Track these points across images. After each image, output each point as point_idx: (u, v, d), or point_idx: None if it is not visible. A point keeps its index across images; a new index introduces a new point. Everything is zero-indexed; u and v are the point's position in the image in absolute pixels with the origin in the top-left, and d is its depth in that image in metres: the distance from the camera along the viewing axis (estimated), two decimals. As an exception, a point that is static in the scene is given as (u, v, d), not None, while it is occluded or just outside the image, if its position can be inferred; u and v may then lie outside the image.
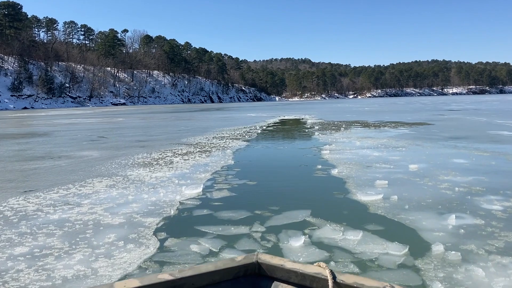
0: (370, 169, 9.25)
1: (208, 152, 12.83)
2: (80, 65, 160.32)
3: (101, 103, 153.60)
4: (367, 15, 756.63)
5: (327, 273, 2.23)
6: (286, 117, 37.02)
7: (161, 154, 12.59)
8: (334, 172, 9.05)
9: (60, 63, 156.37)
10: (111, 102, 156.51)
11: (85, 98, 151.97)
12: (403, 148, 12.85)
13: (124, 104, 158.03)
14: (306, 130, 21.43)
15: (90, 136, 20.52)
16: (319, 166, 9.86)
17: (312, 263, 2.50)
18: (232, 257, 2.54)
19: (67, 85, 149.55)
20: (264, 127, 24.18)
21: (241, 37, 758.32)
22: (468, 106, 56.38)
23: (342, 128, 21.47)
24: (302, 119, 33.57)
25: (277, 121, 31.58)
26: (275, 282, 2.44)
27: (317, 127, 22.88)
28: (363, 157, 11.15)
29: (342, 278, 2.21)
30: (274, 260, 2.45)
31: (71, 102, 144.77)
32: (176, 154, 12.67)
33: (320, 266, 2.33)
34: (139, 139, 18.03)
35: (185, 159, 11.40)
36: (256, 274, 2.49)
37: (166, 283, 2.21)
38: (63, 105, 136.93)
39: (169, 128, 25.53)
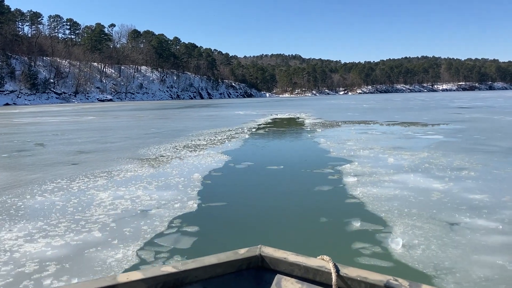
0: (465, 236, 4.54)
1: (163, 179, 8.07)
2: (66, 60, 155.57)
3: (87, 99, 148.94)
4: (357, 11, 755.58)
5: (330, 266, 2.19)
6: (279, 116, 32.18)
7: (87, 183, 7.83)
8: (396, 248, 4.27)
9: (44, 58, 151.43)
10: (97, 98, 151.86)
11: (70, 94, 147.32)
12: (469, 171, 8.17)
13: (110, 100, 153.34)
14: (308, 135, 16.72)
15: (27, 143, 15.71)
16: (356, 224, 5.11)
17: (315, 256, 2.34)
18: (235, 250, 2.45)
19: (51, 80, 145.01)
20: (253, 130, 19.50)
21: (231, 32, 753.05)
22: (475, 103, 51.88)
23: (353, 132, 16.86)
24: (298, 118, 28.83)
25: (269, 121, 26.82)
26: (278, 275, 2.40)
27: (320, 130, 18.24)
28: (421, 193, 6.47)
29: (346, 271, 2.18)
30: (277, 253, 2.41)
31: (56, 98, 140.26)
32: (111, 182, 7.91)
33: (323, 259, 2.27)
34: (84, 149, 13.25)
35: (117, 197, 6.65)
36: (259, 267, 2.45)
37: (169, 276, 2.18)
38: (47, 101, 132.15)
39: (136, 130, 20.73)
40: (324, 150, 11.93)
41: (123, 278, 2.10)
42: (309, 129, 19.55)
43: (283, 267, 2.38)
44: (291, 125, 23.44)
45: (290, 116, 31.54)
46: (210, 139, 15.55)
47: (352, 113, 33.25)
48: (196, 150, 12.30)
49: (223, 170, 9.17)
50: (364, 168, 8.76)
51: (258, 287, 2.43)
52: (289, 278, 2.37)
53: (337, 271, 2.17)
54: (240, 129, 19.76)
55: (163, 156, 11.29)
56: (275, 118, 29.46)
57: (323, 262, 2.26)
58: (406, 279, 2.08)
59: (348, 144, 13.02)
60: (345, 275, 2.16)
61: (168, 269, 2.21)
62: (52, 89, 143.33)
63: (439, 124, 20.53)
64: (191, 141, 14.97)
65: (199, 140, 15.27)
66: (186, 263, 2.28)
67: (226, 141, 14.63)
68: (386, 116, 28.69)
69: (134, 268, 3.92)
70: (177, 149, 12.76)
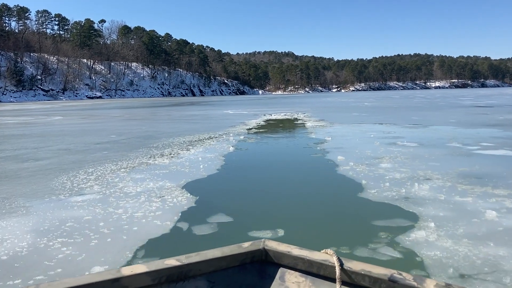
0: None
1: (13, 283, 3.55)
2: (54, 56, 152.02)
3: (76, 96, 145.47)
4: (349, 8, 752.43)
5: (334, 260, 2.17)
6: (273, 117, 27.53)
7: None
8: None
9: (31, 54, 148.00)
10: (86, 96, 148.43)
11: (58, 91, 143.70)
12: None
13: (100, 97, 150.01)
14: (317, 147, 11.98)
15: None
16: None
17: (319, 250, 2.28)
18: (239, 244, 2.43)
19: (38, 77, 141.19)
20: (241, 138, 14.88)
21: (223, 29, 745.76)
22: (486, 101, 47.44)
23: (376, 143, 12.23)
24: (296, 120, 24.24)
25: (262, 123, 22.20)
26: (281, 268, 2.39)
27: (330, 138, 13.63)
28: None
29: (350, 265, 2.15)
30: (281, 247, 2.38)
31: (43, 95, 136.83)
32: None
33: (327, 253, 2.24)
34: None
35: None
36: (262, 260, 2.42)
37: (173, 269, 2.16)
38: (34, 98, 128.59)
39: (91, 136, 15.89)
40: (352, 183, 7.26)
41: (127, 271, 2.06)
42: (314, 136, 14.91)
43: (286, 261, 2.34)
44: (289, 130, 18.78)
45: (287, 117, 26.90)
46: (178, 154, 10.91)
47: (358, 113, 28.64)
48: (145, 180, 7.64)
49: (167, 245, 4.49)
50: (461, 246, 4.16)
51: (261, 281, 2.39)
52: (292, 271, 2.33)
53: (341, 264, 2.13)
54: (224, 137, 15.15)
55: (82, 194, 6.64)
56: (269, 120, 24.83)
57: (327, 256, 2.22)
58: (410, 273, 2.01)
59: (383, 167, 8.42)
60: (349, 268, 2.12)
61: (172, 262, 2.17)
62: (39, 86, 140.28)
63: (480, 128, 16.09)
64: (150, 158, 10.33)
65: (162, 156, 10.63)
66: (190, 257, 2.24)
67: (199, 159, 9.98)
68: (400, 116, 24.17)
69: None
70: (118, 175, 8.14)
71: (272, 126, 20.64)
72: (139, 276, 2.05)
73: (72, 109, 51.26)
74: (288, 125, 21.26)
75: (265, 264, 2.40)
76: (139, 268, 2.09)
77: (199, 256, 2.24)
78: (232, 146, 12.31)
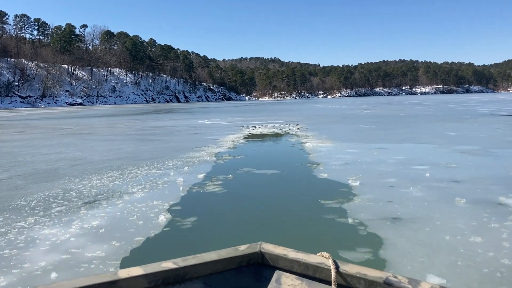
0: None
1: None
2: (32, 62, 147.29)
3: (55, 103, 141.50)
4: (334, 15, 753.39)
5: (330, 263, 2.16)
6: (258, 129, 21.64)
7: None
8: None
9: (8, 60, 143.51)
10: (66, 102, 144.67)
11: (36, 98, 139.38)
12: None
13: (81, 104, 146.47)
14: (346, 216, 5.63)
15: None
16: None
17: (315, 253, 2.26)
18: (236, 247, 2.42)
19: (15, 83, 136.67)
20: (199, 177, 8.78)
21: (209, 35, 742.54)
22: (501, 107, 42.02)
23: (458, 200, 6.24)
24: (289, 134, 18.33)
25: (241, 141, 16.17)
26: (277, 271, 2.37)
27: (357, 184, 7.63)
28: None
29: (345, 268, 2.14)
30: (277, 250, 2.37)
31: (21, 102, 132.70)
32: None
33: (323, 256, 2.23)
34: None
35: None
36: (259, 263, 2.41)
37: (169, 272, 2.17)
38: (10, 106, 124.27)
39: None
40: None
41: (124, 273, 2.06)
42: (324, 175, 8.72)
43: (283, 264, 2.33)
44: (281, 159, 12.49)
45: (276, 131, 20.85)
46: (35, 240, 4.73)
47: (367, 125, 22.66)
48: None
49: None
50: None
51: (258, 284, 2.38)
52: (289, 274, 2.32)
53: (337, 267, 2.13)
54: (171, 174, 9.04)
55: None
56: (252, 135, 18.87)
57: (322, 259, 2.21)
58: (405, 276, 2.01)
59: None
60: (344, 271, 2.12)
61: (168, 265, 2.17)
62: (16, 93, 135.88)
63: None
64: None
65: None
66: (187, 259, 2.23)
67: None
68: (428, 131, 18.13)
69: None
70: None
71: (255, 148, 14.54)
72: (136, 279, 2.04)
73: (29, 118, 45.09)
74: (278, 147, 15.23)
75: (261, 266, 2.37)
76: (136, 270, 2.07)
77: (196, 259, 2.22)
78: (174, 206, 6.19)
